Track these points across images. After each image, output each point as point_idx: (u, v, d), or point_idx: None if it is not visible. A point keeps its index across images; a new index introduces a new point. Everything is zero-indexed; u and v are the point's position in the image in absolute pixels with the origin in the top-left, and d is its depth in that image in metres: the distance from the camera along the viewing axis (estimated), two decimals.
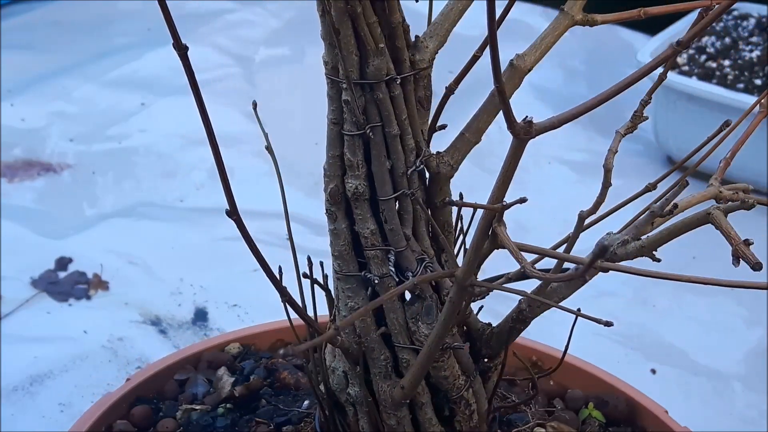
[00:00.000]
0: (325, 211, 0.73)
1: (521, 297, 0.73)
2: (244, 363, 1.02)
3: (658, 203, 0.67)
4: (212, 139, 0.58)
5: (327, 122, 0.70)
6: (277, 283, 0.69)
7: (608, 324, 0.56)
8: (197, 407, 0.95)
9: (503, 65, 0.70)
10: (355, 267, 0.73)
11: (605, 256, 0.62)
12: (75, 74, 2.19)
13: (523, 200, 0.60)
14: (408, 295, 0.75)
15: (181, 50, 0.54)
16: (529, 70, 0.69)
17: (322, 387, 0.80)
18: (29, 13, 2.47)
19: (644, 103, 0.73)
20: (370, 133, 0.68)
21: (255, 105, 0.79)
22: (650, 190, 0.77)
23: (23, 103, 2.07)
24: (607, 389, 1.00)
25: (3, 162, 1.87)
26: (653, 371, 1.43)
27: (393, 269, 0.72)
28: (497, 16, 0.68)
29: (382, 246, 0.72)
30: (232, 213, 0.61)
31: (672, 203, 0.66)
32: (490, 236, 0.61)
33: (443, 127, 0.75)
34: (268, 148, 0.79)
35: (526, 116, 0.50)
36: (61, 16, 2.48)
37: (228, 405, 0.96)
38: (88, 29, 2.42)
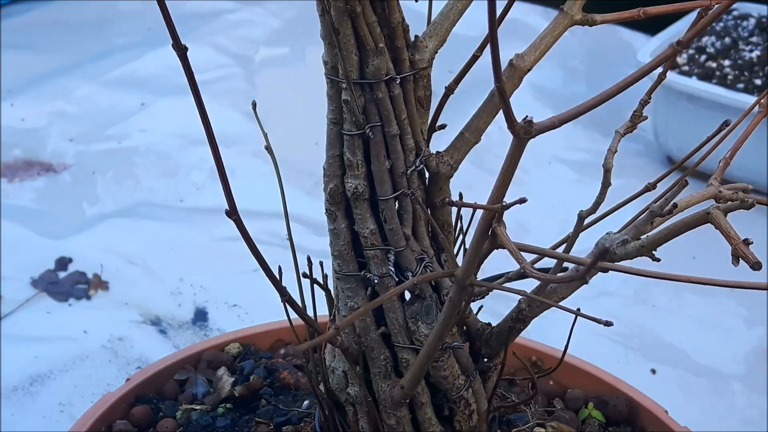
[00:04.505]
0: (324, 211, 0.73)
1: (521, 297, 0.73)
2: (244, 363, 1.02)
3: (657, 203, 0.67)
4: (212, 139, 0.58)
5: (327, 122, 0.70)
6: (277, 283, 0.69)
7: (608, 324, 0.56)
8: (197, 407, 0.95)
9: (503, 65, 0.70)
10: (355, 267, 0.73)
11: (605, 257, 0.62)
12: (75, 74, 2.19)
13: (522, 200, 0.60)
14: (407, 295, 0.75)
15: (181, 50, 0.54)
16: (529, 70, 0.69)
17: (321, 387, 0.80)
18: (29, 13, 2.48)
19: (644, 102, 0.73)
20: (370, 133, 0.68)
21: (254, 105, 0.79)
22: (650, 190, 0.77)
23: (23, 103, 2.07)
24: (607, 389, 1.00)
25: (3, 162, 1.87)
26: (653, 371, 1.43)
27: (393, 269, 0.72)
28: (497, 15, 0.68)
29: (381, 246, 0.72)
30: (232, 213, 0.61)
31: (672, 203, 0.66)
32: (490, 236, 0.61)
33: (443, 126, 0.75)
34: (268, 148, 0.79)
35: (526, 116, 0.50)
36: (61, 16, 2.48)
37: (228, 405, 0.96)
38: (88, 29, 2.42)
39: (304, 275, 0.78)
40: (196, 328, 1.47)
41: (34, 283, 1.53)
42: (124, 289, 1.53)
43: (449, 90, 0.73)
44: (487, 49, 0.67)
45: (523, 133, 0.50)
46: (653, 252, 0.64)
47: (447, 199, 0.74)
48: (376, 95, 0.67)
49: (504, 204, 0.58)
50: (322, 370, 0.79)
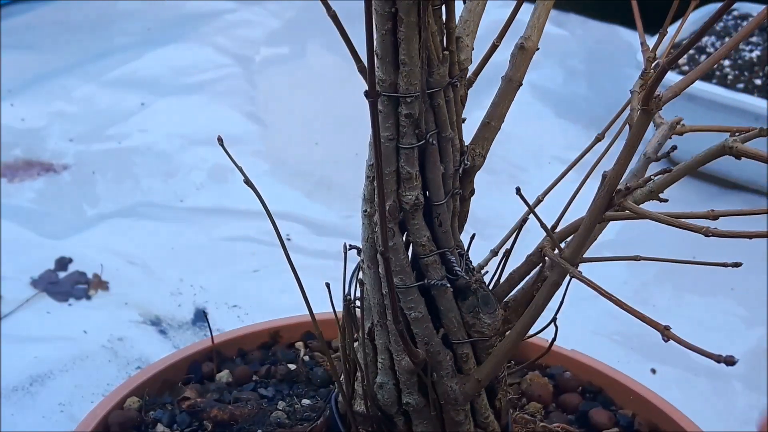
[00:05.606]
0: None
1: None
2: (154, 414, 0.94)
3: (651, 148, 0.68)
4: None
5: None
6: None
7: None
8: None
9: (506, 62, 0.72)
10: (414, 277, 0.73)
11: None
12: (75, 74, 2.19)
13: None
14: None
15: (372, 98, 0.55)
16: (537, 49, 0.73)
17: (358, 404, 0.79)
18: (29, 13, 2.47)
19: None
20: (433, 141, 0.68)
21: (221, 140, 0.78)
22: (600, 140, 0.84)
23: (23, 103, 2.07)
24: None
25: (3, 162, 1.87)
26: (653, 371, 1.43)
27: (459, 268, 0.72)
28: (504, 16, 0.70)
29: (438, 250, 0.72)
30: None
31: (672, 145, 0.68)
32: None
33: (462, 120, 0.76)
34: (247, 182, 0.78)
35: (658, 93, 0.57)
36: (61, 16, 2.48)
37: None
38: (88, 29, 2.42)
39: (346, 299, 0.77)
40: (196, 328, 1.47)
41: (34, 283, 1.53)
42: (124, 289, 1.53)
43: (469, 83, 0.74)
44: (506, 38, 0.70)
45: (655, 107, 0.56)
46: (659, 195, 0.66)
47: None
48: (436, 103, 0.67)
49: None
50: (369, 388, 0.78)
